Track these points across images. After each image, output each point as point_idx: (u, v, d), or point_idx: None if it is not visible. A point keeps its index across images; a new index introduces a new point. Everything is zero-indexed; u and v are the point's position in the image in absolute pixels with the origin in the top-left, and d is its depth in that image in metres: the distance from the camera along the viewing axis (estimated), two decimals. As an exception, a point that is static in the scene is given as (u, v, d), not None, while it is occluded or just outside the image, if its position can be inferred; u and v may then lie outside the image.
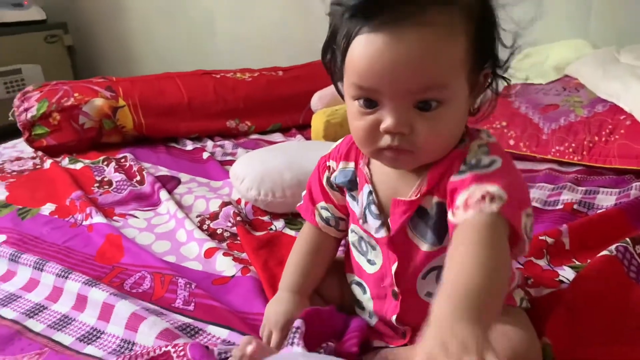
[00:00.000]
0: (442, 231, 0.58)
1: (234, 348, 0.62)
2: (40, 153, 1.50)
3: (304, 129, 1.67)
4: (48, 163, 1.41)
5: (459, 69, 0.52)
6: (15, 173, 1.38)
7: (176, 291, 0.81)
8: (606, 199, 1.05)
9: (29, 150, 1.55)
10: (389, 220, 0.60)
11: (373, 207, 0.61)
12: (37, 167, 1.43)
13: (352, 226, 0.66)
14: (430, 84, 0.51)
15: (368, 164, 0.63)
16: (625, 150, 1.14)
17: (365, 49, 0.51)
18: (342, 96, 0.60)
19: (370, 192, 0.61)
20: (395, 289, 0.62)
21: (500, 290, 0.46)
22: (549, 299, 0.72)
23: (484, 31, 0.54)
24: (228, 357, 0.62)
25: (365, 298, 0.66)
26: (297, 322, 0.61)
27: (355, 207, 0.64)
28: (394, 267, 0.61)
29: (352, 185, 0.64)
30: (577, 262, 0.84)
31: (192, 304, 0.78)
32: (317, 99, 1.60)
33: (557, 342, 0.63)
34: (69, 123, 1.51)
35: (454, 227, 0.52)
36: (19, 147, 1.61)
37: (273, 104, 1.70)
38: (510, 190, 0.51)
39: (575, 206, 1.01)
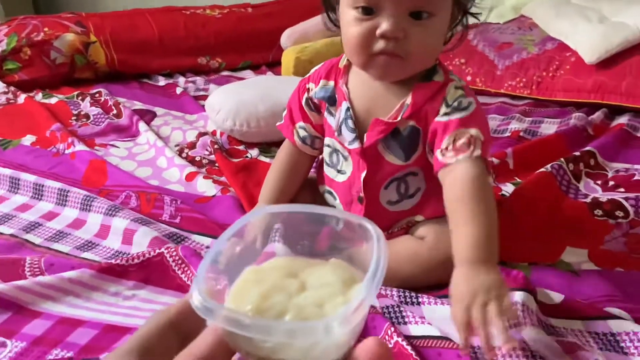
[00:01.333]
0: (409, 151, 0.66)
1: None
2: (12, 88, 1.51)
3: (274, 66, 1.72)
4: (22, 98, 1.43)
5: None
6: (-11, 107, 1.40)
7: (162, 207, 0.89)
8: (549, 128, 1.16)
9: (0, 85, 1.55)
10: (364, 135, 0.67)
11: (349, 122, 0.67)
12: (11, 101, 1.44)
13: (326, 140, 0.73)
14: None
15: (347, 84, 0.69)
16: (568, 84, 1.26)
17: None
18: (332, 22, 0.67)
19: (348, 109, 0.68)
20: (362, 194, 0.70)
21: (496, 231, 0.58)
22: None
23: None
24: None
25: (336, 204, 0.76)
26: (277, 225, 0.70)
27: (332, 121, 0.71)
28: (362, 175, 0.68)
29: (331, 100, 0.71)
30: (518, 180, 0.96)
31: (178, 217, 0.87)
32: (287, 37, 1.64)
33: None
34: (41, 58, 1.52)
35: (442, 165, 0.62)
36: (-11, 82, 1.60)
37: (243, 41, 1.73)
38: (484, 131, 0.62)
39: (521, 134, 1.13)
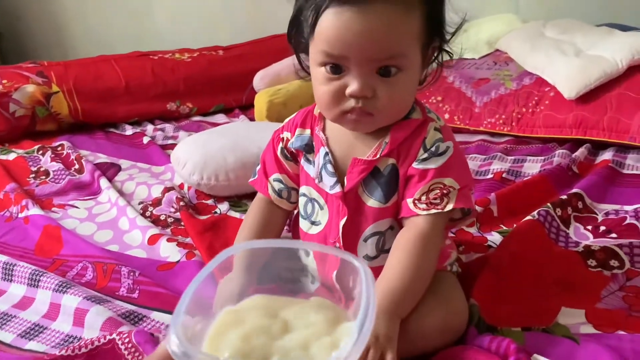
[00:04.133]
0: (389, 191, 0.65)
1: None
2: (-32, 145, 1.43)
3: (247, 109, 1.67)
4: (-22, 155, 1.35)
5: (415, 41, 0.59)
6: (-59, 167, 1.32)
7: (120, 279, 0.81)
8: (532, 167, 1.12)
9: (-44, 142, 1.47)
10: (345, 178, 0.65)
11: (329, 166, 0.66)
12: (-34, 159, 1.37)
13: (302, 189, 0.70)
14: (392, 53, 0.58)
15: (323, 130, 0.68)
16: (549, 120, 1.22)
17: (334, 20, 0.56)
18: (303, 68, 0.66)
19: (326, 154, 0.67)
20: (339, 244, 0.66)
21: (418, 288, 0.60)
22: (478, 263, 0.78)
23: (435, 6, 0.61)
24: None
25: (309, 260, 0.69)
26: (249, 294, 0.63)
27: (311, 169, 0.69)
28: (342, 222, 0.65)
29: (309, 148, 0.69)
30: (504, 227, 0.90)
31: (137, 291, 0.79)
32: (260, 79, 1.60)
33: (483, 303, 0.68)
34: (-1, 112, 1.45)
35: (411, 214, 0.62)
36: (-55, 139, 1.52)
37: (214, 85, 1.69)
38: (461, 178, 0.63)
39: (504, 175, 1.08)
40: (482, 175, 1.10)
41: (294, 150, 0.71)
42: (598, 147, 1.18)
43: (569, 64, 1.22)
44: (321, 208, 0.68)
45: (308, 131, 0.70)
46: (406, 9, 0.57)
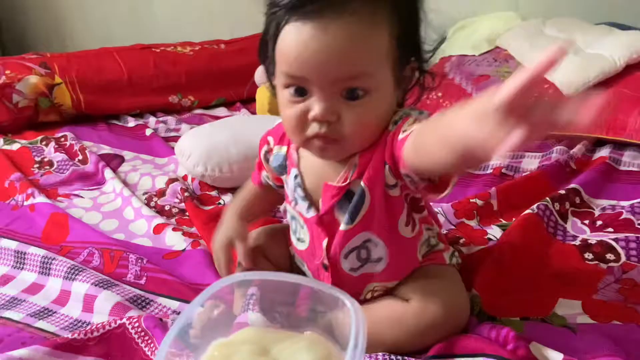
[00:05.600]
0: (355, 211, 0.61)
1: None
2: (-29, 135, 1.44)
3: (248, 102, 1.68)
4: (-19, 145, 1.36)
5: (384, 59, 0.55)
6: (-55, 156, 1.32)
7: (127, 266, 0.83)
8: (531, 162, 1.14)
9: (-41, 132, 1.48)
10: (319, 201, 0.63)
11: (299, 190, 0.64)
12: (-30, 149, 1.37)
13: (285, 205, 0.71)
14: (356, 73, 0.54)
15: (297, 149, 0.66)
16: (548, 117, 1.24)
17: (292, 38, 0.54)
18: (274, 88, 0.61)
19: (296, 176, 0.64)
20: (325, 261, 0.65)
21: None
22: (479, 255, 0.79)
23: (407, 24, 0.57)
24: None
25: (306, 270, 0.71)
26: (252, 289, 0.64)
27: (288, 190, 0.67)
28: (324, 243, 0.63)
29: (282, 170, 0.67)
30: (503, 221, 0.92)
31: (144, 278, 0.80)
32: (261, 73, 1.59)
33: (484, 294, 0.70)
34: (2, 102, 1.45)
35: (405, 137, 0.55)
36: (-52, 128, 1.53)
37: (216, 78, 1.69)
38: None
39: (503, 170, 1.10)
40: (482, 170, 1.12)
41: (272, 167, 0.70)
42: (595, 143, 1.20)
43: (568, 61, 1.24)
44: (302, 227, 0.67)
45: (284, 149, 0.67)
46: (371, 23, 0.53)
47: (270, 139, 0.70)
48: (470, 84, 1.39)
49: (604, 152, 1.15)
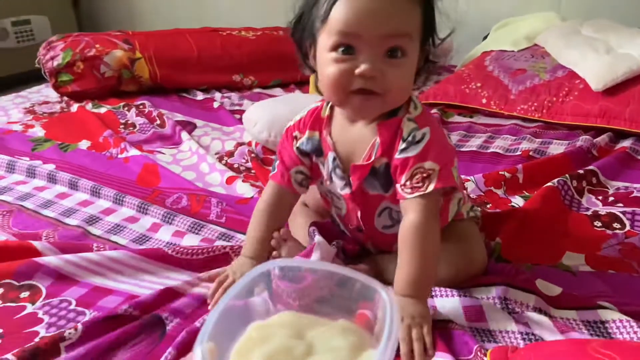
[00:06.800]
0: (386, 184, 0.72)
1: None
2: (65, 98, 1.66)
3: (301, 85, 1.84)
4: (75, 107, 1.58)
5: (417, 31, 0.66)
6: (46, 114, 1.55)
7: (210, 207, 1.01)
8: (557, 149, 1.26)
9: (54, 95, 1.70)
10: (350, 180, 0.73)
11: (338, 171, 0.74)
12: (65, 110, 1.60)
13: (321, 181, 0.79)
14: (401, 31, 0.64)
15: (330, 134, 0.74)
16: (577, 109, 1.36)
17: (350, 2, 0.63)
18: (308, 67, 0.73)
19: (334, 158, 0.73)
20: (360, 226, 0.77)
21: (431, 269, 0.68)
22: (503, 214, 0.94)
23: (430, 14, 0.68)
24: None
25: (344, 229, 0.84)
26: (312, 227, 0.80)
27: (323, 170, 0.76)
28: (359, 214, 0.75)
29: (318, 152, 0.76)
30: (526, 193, 1.06)
31: (224, 217, 0.98)
32: (315, 58, 1.77)
33: (506, 241, 0.85)
34: (91, 72, 1.67)
35: (402, 198, 0.69)
36: (44, 92, 1.77)
37: (274, 61, 1.86)
38: (440, 159, 0.68)
39: (531, 153, 1.23)
40: (512, 152, 1.25)
41: (305, 150, 0.76)
42: (619, 136, 1.31)
43: (599, 60, 1.35)
44: (338, 199, 0.77)
45: (317, 134, 0.75)
46: (411, 0, 0.65)
47: (297, 133, 0.77)
48: (507, 77, 1.52)
49: (626, 143, 1.26)
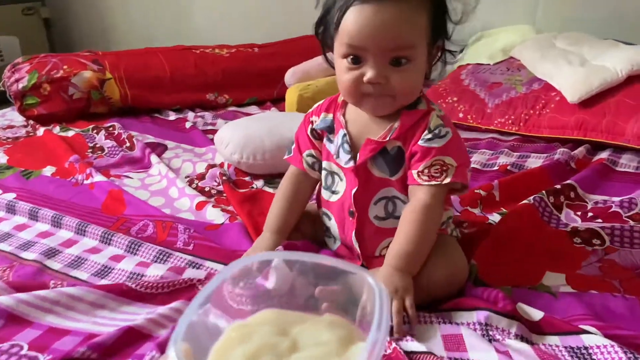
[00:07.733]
0: (394, 168, 0.76)
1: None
2: (31, 122, 1.61)
3: (278, 102, 1.82)
4: (41, 131, 1.52)
5: (423, 36, 0.71)
6: (10, 139, 1.49)
7: (177, 235, 0.96)
8: (535, 162, 1.24)
9: (19, 119, 1.65)
10: (357, 155, 0.77)
11: (346, 145, 0.78)
12: (30, 134, 1.54)
13: (324, 164, 0.83)
14: (403, 44, 0.69)
15: (344, 115, 0.81)
16: (554, 122, 1.35)
17: (356, 16, 0.69)
18: (329, 63, 0.78)
19: (344, 135, 0.79)
20: (352, 209, 0.78)
21: (423, 253, 0.73)
22: (478, 233, 0.91)
23: (439, 12, 0.73)
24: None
25: (331, 224, 0.84)
26: (279, 249, 0.78)
27: (331, 147, 0.81)
28: (353, 191, 0.77)
29: (330, 129, 0.82)
30: (504, 210, 1.03)
31: (192, 244, 0.94)
32: (291, 75, 1.75)
33: (481, 264, 0.82)
34: (59, 94, 1.62)
35: (414, 183, 0.74)
36: (8, 115, 1.71)
37: (249, 79, 1.84)
38: (459, 158, 0.74)
39: (508, 167, 1.21)
40: (489, 167, 1.23)
41: (319, 131, 0.83)
42: (597, 147, 1.30)
43: (574, 72, 1.35)
44: (341, 180, 0.80)
45: (330, 115, 0.82)
46: (416, 9, 0.69)
47: (314, 117, 0.84)
48: (483, 90, 1.50)
49: (603, 154, 1.25)
